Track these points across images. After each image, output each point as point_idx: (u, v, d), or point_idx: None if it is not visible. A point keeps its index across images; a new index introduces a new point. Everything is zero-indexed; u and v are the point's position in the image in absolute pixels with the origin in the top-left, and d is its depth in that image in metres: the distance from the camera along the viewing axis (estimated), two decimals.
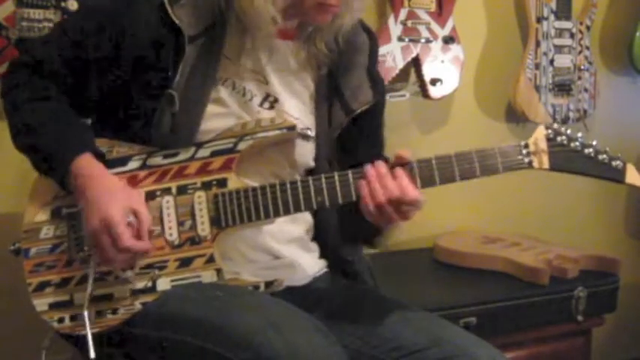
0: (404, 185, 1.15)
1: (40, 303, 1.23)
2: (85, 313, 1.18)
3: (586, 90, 2.37)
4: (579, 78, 2.35)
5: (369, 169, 1.17)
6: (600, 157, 1.21)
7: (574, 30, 2.33)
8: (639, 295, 2.56)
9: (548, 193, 2.49)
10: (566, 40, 2.32)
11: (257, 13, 1.20)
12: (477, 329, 1.74)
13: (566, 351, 1.97)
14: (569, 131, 1.21)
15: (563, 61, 2.32)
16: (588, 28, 2.36)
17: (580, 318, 1.92)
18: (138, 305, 1.21)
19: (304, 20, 1.29)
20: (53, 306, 1.23)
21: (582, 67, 2.35)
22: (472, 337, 1.20)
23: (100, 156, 1.23)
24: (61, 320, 1.22)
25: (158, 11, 1.22)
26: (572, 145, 1.20)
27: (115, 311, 1.21)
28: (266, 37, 1.25)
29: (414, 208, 1.16)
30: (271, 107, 1.28)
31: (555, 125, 1.21)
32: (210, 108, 1.24)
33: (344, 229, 1.37)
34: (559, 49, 2.31)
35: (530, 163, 1.20)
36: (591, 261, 2.02)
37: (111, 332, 1.21)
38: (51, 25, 1.68)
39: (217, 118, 1.24)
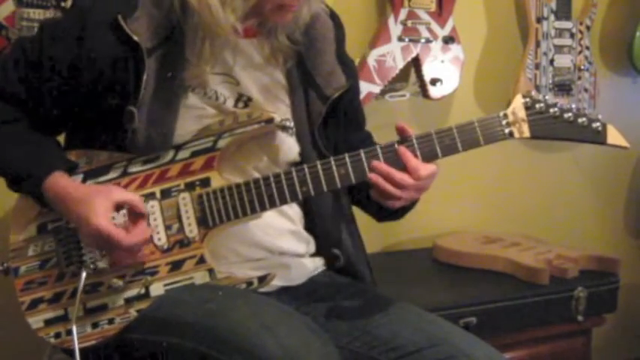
0: (414, 167, 1.16)
1: (35, 320, 1.23)
2: (74, 328, 1.18)
3: (586, 90, 2.37)
4: (579, 78, 2.35)
5: (371, 175, 1.17)
6: (580, 120, 1.20)
7: (574, 30, 2.33)
8: (639, 295, 2.56)
9: (548, 193, 2.49)
10: (566, 40, 2.32)
11: (216, 23, 1.18)
12: (477, 329, 1.74)
13: (566, 351, 1.97)
14: (547, 97, 1.21)
15: (563, 61, 2.31)
16: (588, 28, 2.36)
17: (580, 318, 1.92)
18: (133, 313, 1.21)
19: (264, 20, 1.27)
20: (48, 322, 1.23)
21: (582, 67, 2.35)
22: (471, 338, 1.20)
23: (72, 168, 1.23)
24: (57, 335, 1.23)
25: (113, 28, 1.20)
26: (551, 111, 1.20)
27: (111, 321, 1.21)
28: (228, 41, 1.24)
29: (431, 180, 1.19)
30: (246, 106, 1.27)
31: (533, 92, 1.21)
32: (185, 114, 1.23)
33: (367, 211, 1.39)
34: (559, 49, 2.31)
35: (510, 133, 1.20)
36: (591, 261, 2.02)
37: (109, 341, 1.21)
38: None
39: (194, 122, 1.23)
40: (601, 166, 2.56)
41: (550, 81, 2.30)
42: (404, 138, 1.19)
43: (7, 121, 1.25)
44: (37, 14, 1.70)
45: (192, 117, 1.23)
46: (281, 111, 1.30)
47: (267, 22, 1.28)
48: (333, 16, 1.39)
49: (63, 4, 1.72)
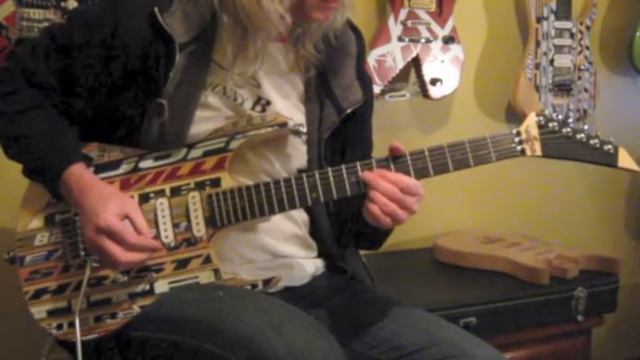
0: (400, 178, 1.15)
1: (38, 310, 1.22)
2: (77, 320, 1.17)
3: (586, 90, 2.37)
4: (579, 78, 2.35)
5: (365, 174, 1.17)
6: (592, 142, 1.22)
7: (574, 30, 2.33)
8: (639, 295, 2.56)
9: (548, 193, 2.49)
10: (566, 40, 2.32)
11: (264, 13, 1.18)
12: (476, 329, 1.74)
13: (566, 351, 1.97)
14: (560, 117, 1.21)
15: (563, 61, 2.32)
16: (588, 28, 2.36)
17: (580, 318, 1.92)
18: (136, 309, 1.20)
19: (303, 19, 1.27)
20: (51, 313, 1.22)
21: (582, 67, 2.35)
22: (471, 338, 1.20)
23: (87, 162, 1.22)
24: (59, 327, 1.22)
25: (149, 20, 1.20)
26: (563, 131, 1.21)
27: (113, 315, 1.21)
28: (266, 38, 1.24)
29: (415, 198, 1.16)
30: (263, 110, 1.28)
31: (546, 112, 1.22)
32: (201, 113, 1.23)
33: (344, 236, 1.37)
34: (559, 49, 2.31)
35: (522, 150, 1.21)
36: (591, 261, 2.02)
37: (111, 336, 1.21)
38: None
39: (209, 121, 1.23)
40: (601, 166, 2.56)
41: (550, 81, 2.30)
42: (418, 151, 1.18)
43: (31, 107, 1.24)
44: (37, 14, 1.70)
45: (209, 115, 1.24)
46: (297, 118, 1.30)
47: (299, 24, 1.27)
48: (355, 30, 1.39)
49: (63, 4, 1.72)
